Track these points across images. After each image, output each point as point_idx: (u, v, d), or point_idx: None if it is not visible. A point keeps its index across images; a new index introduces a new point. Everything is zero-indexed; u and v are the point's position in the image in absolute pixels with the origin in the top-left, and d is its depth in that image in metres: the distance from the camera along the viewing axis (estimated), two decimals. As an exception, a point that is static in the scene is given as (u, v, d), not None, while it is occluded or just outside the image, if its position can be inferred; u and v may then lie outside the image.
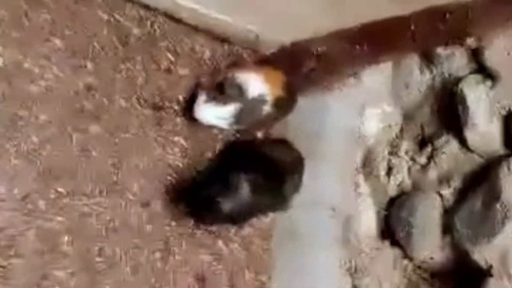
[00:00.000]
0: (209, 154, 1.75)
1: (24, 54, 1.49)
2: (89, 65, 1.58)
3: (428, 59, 1.74)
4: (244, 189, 1.59)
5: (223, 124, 1.66)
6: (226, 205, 1.58)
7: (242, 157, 1.71)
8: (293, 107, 1.75)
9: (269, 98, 1.65)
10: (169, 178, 1.69)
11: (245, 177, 1.60)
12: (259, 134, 1.84)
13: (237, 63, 1.76)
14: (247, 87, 1.63)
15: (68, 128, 1.54)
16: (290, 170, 1.73)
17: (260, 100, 1.65)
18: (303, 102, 1.74)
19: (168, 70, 1.69)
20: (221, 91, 1.63)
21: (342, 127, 1.78)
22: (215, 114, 1.63)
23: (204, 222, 1.70)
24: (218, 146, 1.77)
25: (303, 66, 1.73)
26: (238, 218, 1.67)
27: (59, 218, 1.52)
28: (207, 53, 1.75)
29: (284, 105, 1.72)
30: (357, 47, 1.69)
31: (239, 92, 1.62)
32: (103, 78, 1.60)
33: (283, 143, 1.79)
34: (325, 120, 1.78)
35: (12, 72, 1.48)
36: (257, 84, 1.64)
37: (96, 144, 1.58)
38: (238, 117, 1.63)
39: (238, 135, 1.80)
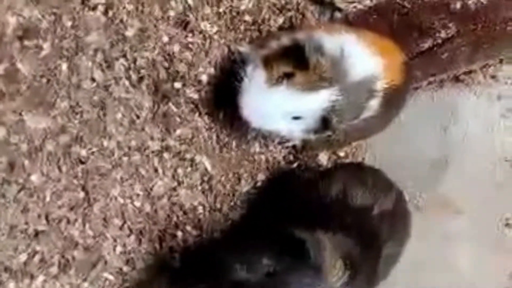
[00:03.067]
0: (248, 192, 0.98)
1: None
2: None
3: None
4: (332, 271, 0.83)
5: (295, 129, 0.90)
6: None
7: (310, 204, 0.95)
8: (400, 110, 1.04)
9: (381, 86, 0.93)
10: (178, 232, 0.90)
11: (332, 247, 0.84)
12: (323, 157, 1.10)
13: (301, 23, 1.03)
14: (347, 59, 0.90)
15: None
16: (388, 225, 0.99)
17: (367, 88, 0.90)
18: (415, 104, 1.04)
19: (183, 23, 0.93)
20: (295, 64, 0.89)
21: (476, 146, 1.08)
22: (286, 109, 0.87)
23: None
24: (261, 176, 1.00)
25: (427, 36, 1.03)
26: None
27: None
28: (246, 3, 0.99)
29: (396, 103, 0.98)
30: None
31: (334, 67, 0.89)
32: (59, 16, 0.81)
33: (369, 174, 1.00)
34: (453, 137, 1.07)
35: None
36: (363, 57, 0.91)
37: (36, 159, 0.78)
38: (326, 117, 0.87)
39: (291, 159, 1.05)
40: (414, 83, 1.05)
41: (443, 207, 1.06)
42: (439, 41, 1.03)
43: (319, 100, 0.88)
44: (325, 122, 0.90)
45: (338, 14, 1.06)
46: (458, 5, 1.00)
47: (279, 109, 0.88)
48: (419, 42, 1.05)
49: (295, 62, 0.89)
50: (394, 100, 0.97)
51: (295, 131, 0.91)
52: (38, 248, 0.79)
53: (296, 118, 0.89)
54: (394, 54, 0.97)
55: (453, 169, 1.07)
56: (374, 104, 0.93)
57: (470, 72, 1.07)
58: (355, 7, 1.05)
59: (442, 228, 1.06)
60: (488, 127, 1.06)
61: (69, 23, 0.83)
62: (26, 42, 0.79)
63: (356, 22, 1.05)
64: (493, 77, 1.07)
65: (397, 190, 1.00)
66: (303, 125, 0.90)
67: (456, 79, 1.09)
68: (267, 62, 0.90)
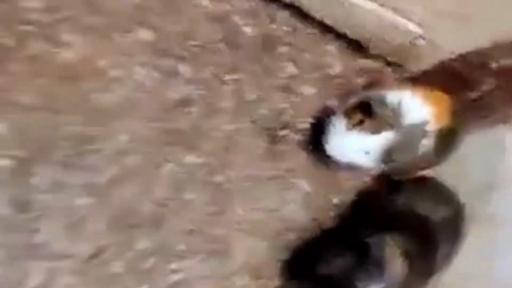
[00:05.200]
0: (339, 206, 1.40)
1: (98, 49, 1.18)
2: (185, 71, 1.26)
3: None
4: (393, 264, 1.22)
5: (366, 161, 1.30)
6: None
7: (381, 213, 1.35)
8: (457, 145, 1.41)
9: (432, 128, 1.31)
10: (285, 237, 1.32)
11: (393, 244, 1.23)
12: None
13: (378, 82, 1.44)
14: (403, 109, 1.29)
15: (155, 157, 1.21)
16: (445, 229, 1.37)
17: (420, 130, 1.30)
18: (469, 140, 1.41)
19: (287, 87, 1.37)
20: (365, 114, 1.29)
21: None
22: (359, 146, 1.28)
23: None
24: (350, 195, 1.42)
25: (473, 89, 1.41)
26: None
27: (143, 288, 1.17)
28: (337, 67, 1.43)
29: (449, 141, 1.36)
30: None
31: (393, 115, 1.29)
32: (203, 90, 1.27)
33: (435, 188, 1.42)
34: (501, 167, 1.45)
35: (81, 71, 1.16)
36: (417, 107, 1.31)
37: (192, 183, 1.24)
38: (388, 152, 1.27)
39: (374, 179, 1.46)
40: (467, 125, 1.43)
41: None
42: (482, 92, 1.41)
43: (382, 140, 1.29)
44: (387, 156, 1.31)
45: (406, 74, 1.47)
46: (494, 65, 1.37)
47: (354, 146, 1.30)
48: (468, 93, 1.43)
49: (366, 112, 1.31)
50: (447, 139, 1.35)
51: (366, 163, 1.32)
52: None
53: (366, 153, 1.31)
54: (443, 103, 1.35)
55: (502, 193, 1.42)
56: (426, 142, 1.32)
57: (513, 114, 1.43)
58: (419, 69, 1.45)
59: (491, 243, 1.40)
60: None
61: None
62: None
63: (420, 79, 1.45)
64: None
65: (457, 201, 1.39)
66: (372, 158, 1.31)
67: (504, 120, 1.45)
68: (347, 113, 1.33)
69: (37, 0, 1.13)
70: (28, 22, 1.12)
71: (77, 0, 1.17)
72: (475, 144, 1.42)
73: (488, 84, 1.38)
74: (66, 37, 1.16)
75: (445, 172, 1.42)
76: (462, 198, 1.39)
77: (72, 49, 1.16)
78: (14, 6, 1.12)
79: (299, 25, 1.36)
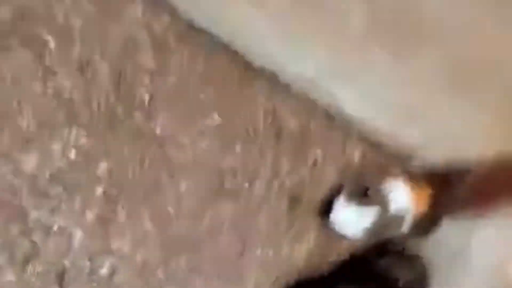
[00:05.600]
0: (332, 263, 1.88)
1: (182, 126, 1.73)
2: (238, 148, 1.79)
3: None
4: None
5: (356, 231, 1.76)
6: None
7: (360, 271, 1.83)
8: (433, 230, 1.83)
9: (411, 214, 1.75)
10: (290, 279, 1.82)
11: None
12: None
13: (386, 171, 1.90)
14: (391, 196, 1.74)
15: (204, 203, 1.74)
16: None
17: (402, 213, 1.75)
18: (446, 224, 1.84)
19: (314, 164, 1.86)
20: (362, 195, 1.76)
21: (488, 262, 1.82)
22: (352, 218, 1.75)
23: None
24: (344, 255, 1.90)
25: (455, 190, 1.83)
26: None
27: (175, 293, 1.70)
28: (357, 156, 1.91)
29: (425, 226, 1.80)
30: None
31: (382, 200, 1.74)
32: (249, 162, 1.80)
33: (407, 257, 1.88)
34: (469, 250, 1.84)
35: (166, 139, 1.71)
36: (401, 197, 1.76)
37: (226, 225, 1.76)
38: (373, 228, 1.73)
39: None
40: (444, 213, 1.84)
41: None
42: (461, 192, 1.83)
43: (370, 217, 1.75)
44: (373, 230, 1.76)
45: (409, 169, 1.92)
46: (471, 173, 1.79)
47: (347, 217, 1.76)
48: (451, 190, 1.85)
49: (363, 194, 1.78)
50: (424, 222, 1.79)
51: (356, 233, 1.78)
52: None
53: (357, 224, 1.77)
54: (425, 194, 1.79)
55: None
56: (405, 225, 1.77)
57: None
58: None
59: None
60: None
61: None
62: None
63: (417, 175, 1.89)
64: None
65: (423, 267, 1.84)
66: (361, 230, 1.77)
67: (475, 214, 1.84)
68: (349, 193, 1.80)
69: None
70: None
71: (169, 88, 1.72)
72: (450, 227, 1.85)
73: (465, 187, 1.81)
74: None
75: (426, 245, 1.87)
76: (435, 265, 1.84)
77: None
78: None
79: (329, 123, 1.87)
